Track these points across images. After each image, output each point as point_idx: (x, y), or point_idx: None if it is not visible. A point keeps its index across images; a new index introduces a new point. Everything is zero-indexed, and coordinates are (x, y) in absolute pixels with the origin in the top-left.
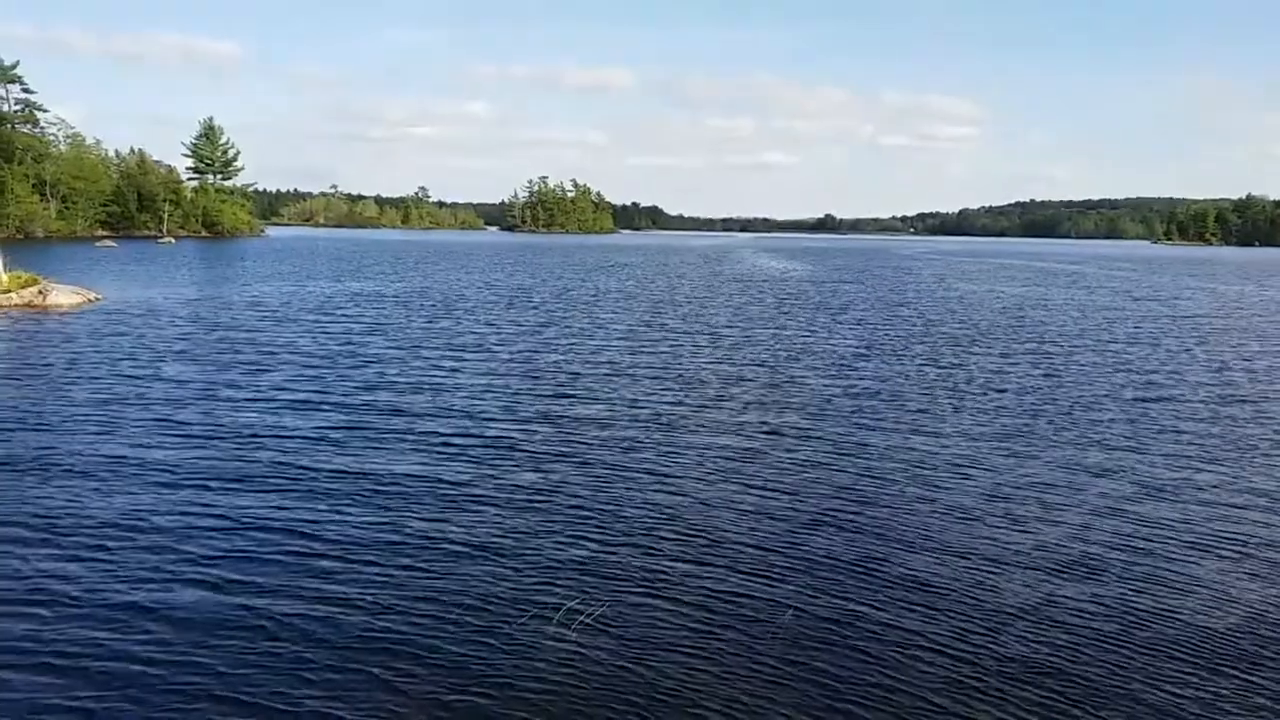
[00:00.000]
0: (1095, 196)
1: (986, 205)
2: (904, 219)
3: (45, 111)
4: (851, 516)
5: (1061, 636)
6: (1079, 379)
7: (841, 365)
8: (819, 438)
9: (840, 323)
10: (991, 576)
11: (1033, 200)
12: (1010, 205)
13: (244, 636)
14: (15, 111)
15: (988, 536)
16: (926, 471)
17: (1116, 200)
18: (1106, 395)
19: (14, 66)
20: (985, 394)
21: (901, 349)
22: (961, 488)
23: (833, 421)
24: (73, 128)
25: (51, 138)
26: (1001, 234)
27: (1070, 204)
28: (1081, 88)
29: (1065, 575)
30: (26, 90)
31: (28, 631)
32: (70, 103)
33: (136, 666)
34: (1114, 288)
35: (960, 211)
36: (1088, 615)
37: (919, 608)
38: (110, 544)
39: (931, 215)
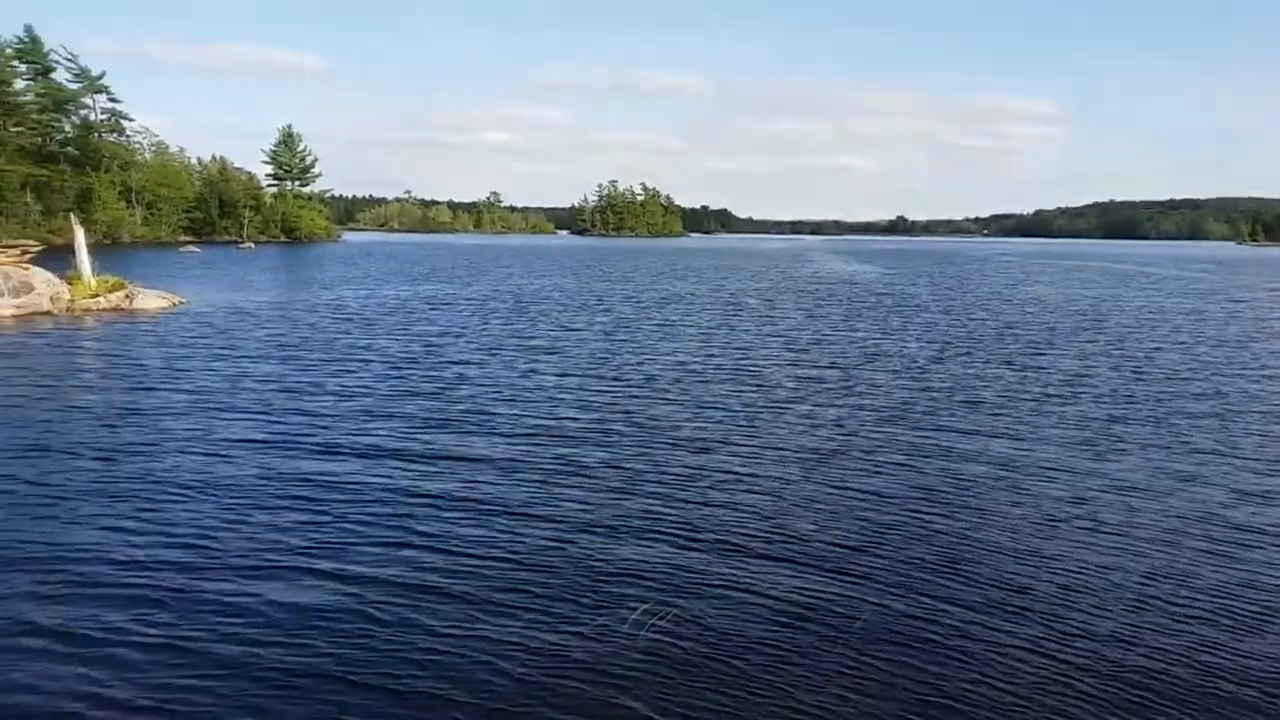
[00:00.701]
0: (1178, 196)
1: (1063, 206)
2: (977, 220)
3: (131, 121)
4: (932, 517)
5: (1152, 640)
6: (1162, 382)
7: (916, 367)
8: (897, 438)
9: (913, 324)
10: (1079, 578)
11: (1112, 200)
12: (1088, 206)
13: (341, 618)
14: (103, 121)
15: (1073, 539)
16: (1008, 473)
17: (1200, 200)
18: (1191, 398)
19: (100, 77)
20: (1064, 397)
21: (976, 351)
22: (1045, 490)
23: (910, 422)
24: (157, 136)
25: (137, 146)
26: (1079, 235)
27: (1151, 204)
28: (1161, 86)
29: (1156, 579)
30: (113, 100)
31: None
32: (153, 112)
33: (239, 647)
34: (1197, 289)
35: (1036, 213)
36: (1180, 619)
37: (1003, 609)
38: (211, 529)
39: (1006, 216)
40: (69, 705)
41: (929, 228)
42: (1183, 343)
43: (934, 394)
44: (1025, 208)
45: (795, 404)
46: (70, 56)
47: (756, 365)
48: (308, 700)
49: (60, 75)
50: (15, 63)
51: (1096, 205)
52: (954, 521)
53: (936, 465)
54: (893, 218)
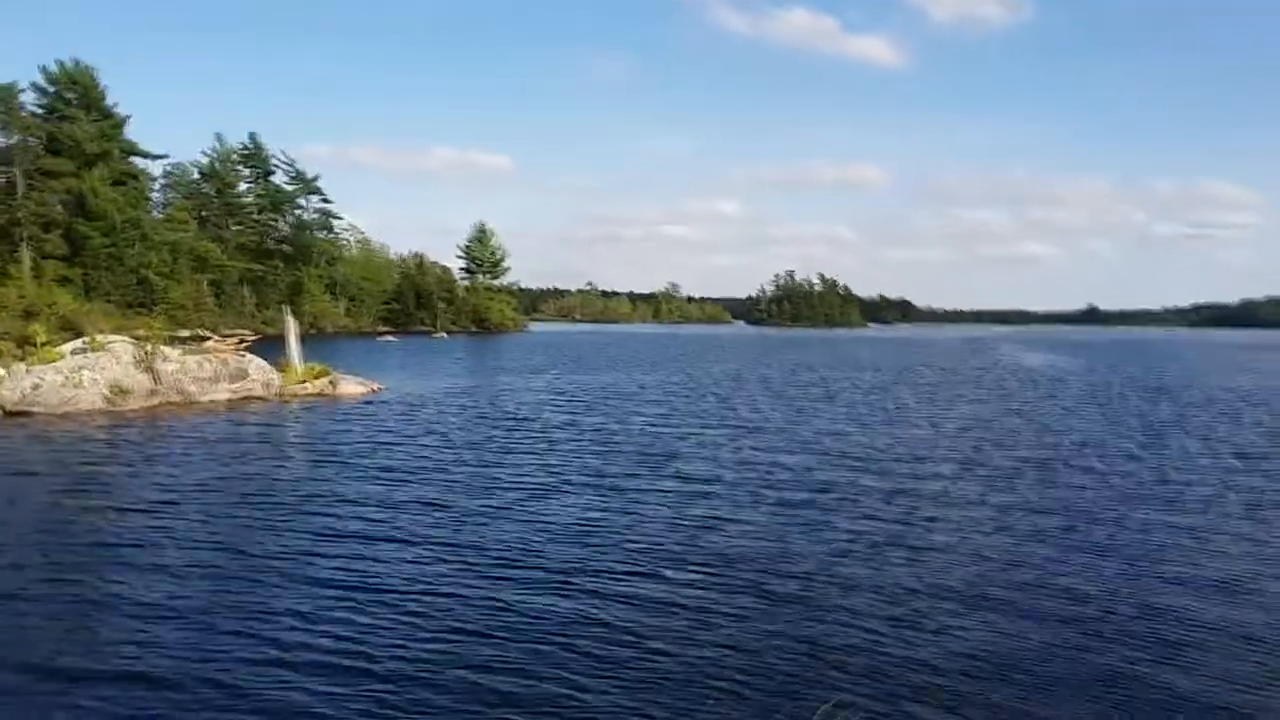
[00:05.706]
0: None
1: (1274, 295)
2: (1178, 311)
3: (340, 219)
4: (1146, 611)
5: None
6: None
7: (1127, 454)
8: (1115, 524)
9: (1110, 413)
10: None
11: None
12: None
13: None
14: (314, 219)
15: None
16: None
17: None
18: None
19: (315, 179)
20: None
21: (1187, 438)
22: None
23: (1137, 505)
24: (362, 232)
25: (344, 242)
26: None
27: None
28: None
29: None
30: (325, 200)
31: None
32: (358, 210)
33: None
34: None
35: (1242, 302)
36: None
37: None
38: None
39: (1208, 306)
40: None
41: (1124, 318)
42: None
43: (1159, 479)
44: (1230, 297)
45: (999, 489)
46: (288, 161)
47: (953, 449)
48: None
49: (278, 178)
50: (240, 167)
51: None
52: (1177, 619)
53: (1167, 558)
54: (1083, 307)
